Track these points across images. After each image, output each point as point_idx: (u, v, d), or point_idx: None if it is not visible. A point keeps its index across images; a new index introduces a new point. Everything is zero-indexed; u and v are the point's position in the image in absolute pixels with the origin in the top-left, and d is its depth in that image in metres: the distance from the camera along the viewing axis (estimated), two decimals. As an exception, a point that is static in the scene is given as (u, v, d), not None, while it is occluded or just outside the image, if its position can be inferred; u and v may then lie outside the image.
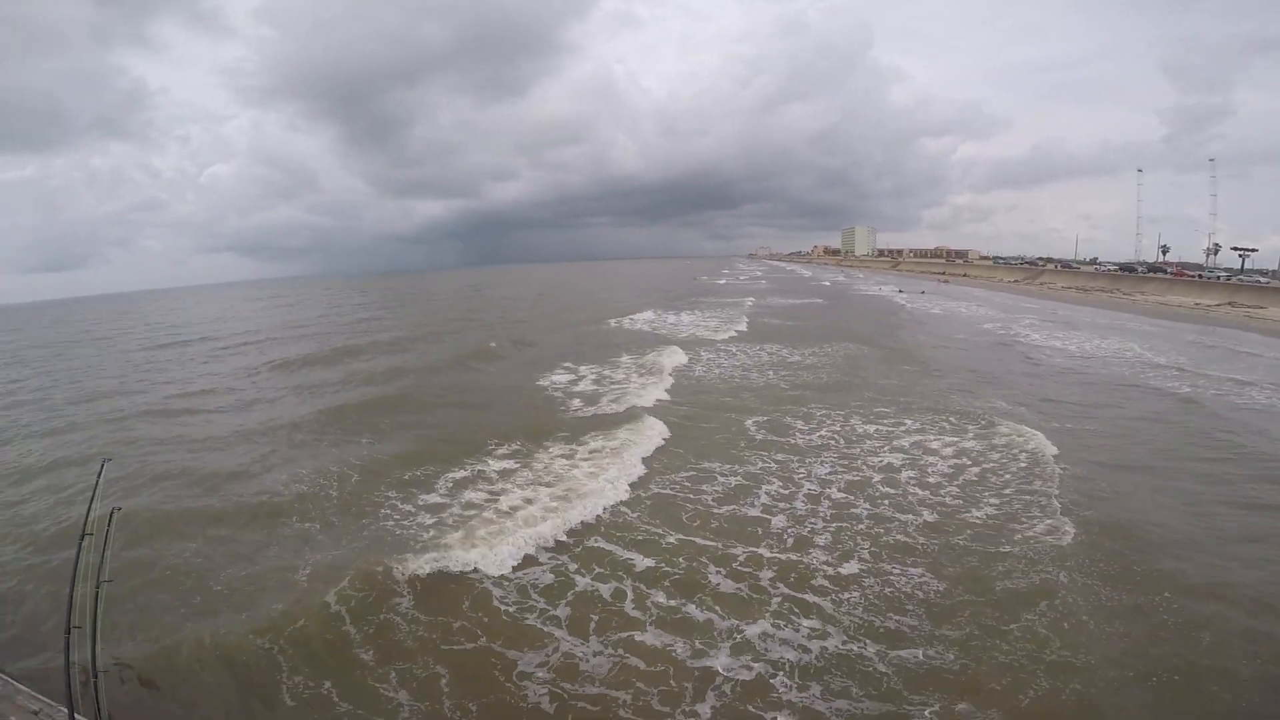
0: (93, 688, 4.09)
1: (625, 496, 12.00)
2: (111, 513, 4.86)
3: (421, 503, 11.75)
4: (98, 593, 4.44)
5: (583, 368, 24.66)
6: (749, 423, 16.66)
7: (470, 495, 12.04)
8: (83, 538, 4.63)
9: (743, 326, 39.47)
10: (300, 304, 75.21)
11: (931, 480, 12.68)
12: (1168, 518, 10.87)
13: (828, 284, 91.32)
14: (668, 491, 12.31)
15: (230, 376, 25.46)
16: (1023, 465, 13.35)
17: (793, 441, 15.22)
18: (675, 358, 26.40)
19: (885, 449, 14.50)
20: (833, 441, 15.16)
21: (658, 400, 19.26)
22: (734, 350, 29.50)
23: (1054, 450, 14.02)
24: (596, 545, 10.09)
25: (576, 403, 19.27)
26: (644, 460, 13.85)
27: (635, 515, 11.20)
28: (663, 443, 15.04)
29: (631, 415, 17.11)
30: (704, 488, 12.38)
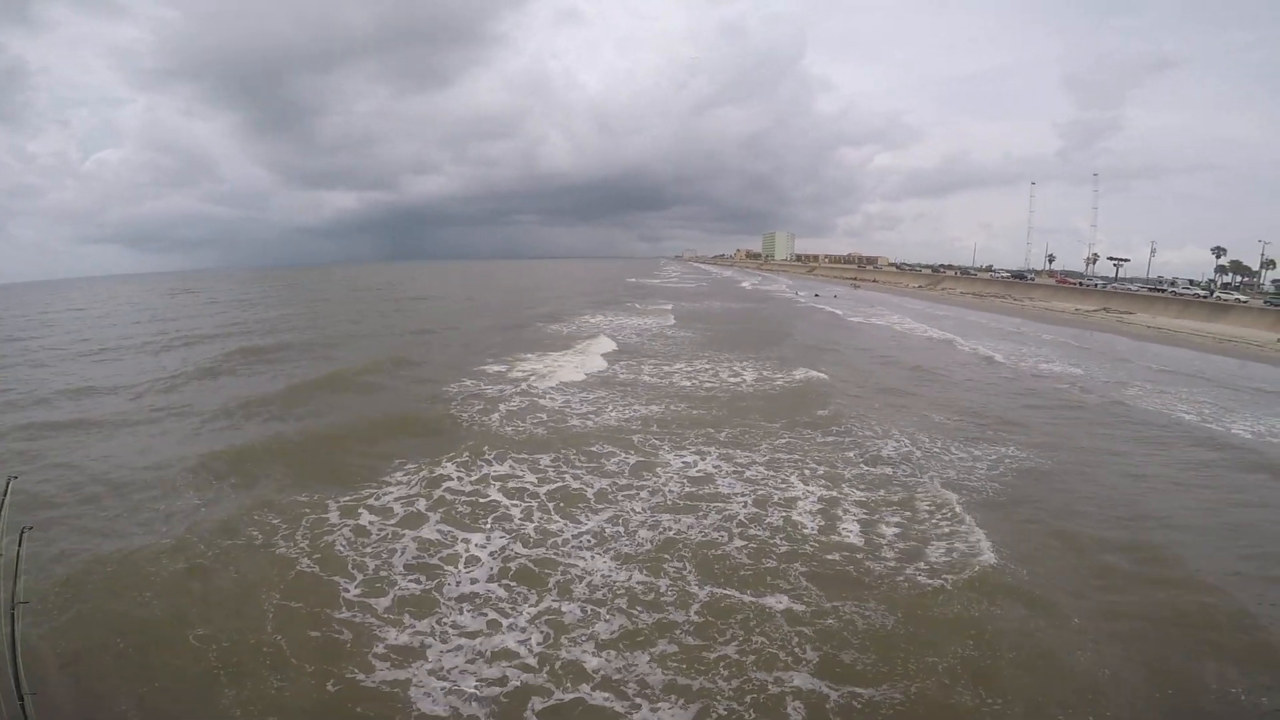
0: (20, 711, 4.01)
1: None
2: (21, 532, 4.58)
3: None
4: (13, 615, 4.23)
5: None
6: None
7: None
8: None
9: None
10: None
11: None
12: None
13: (747, 287, 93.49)
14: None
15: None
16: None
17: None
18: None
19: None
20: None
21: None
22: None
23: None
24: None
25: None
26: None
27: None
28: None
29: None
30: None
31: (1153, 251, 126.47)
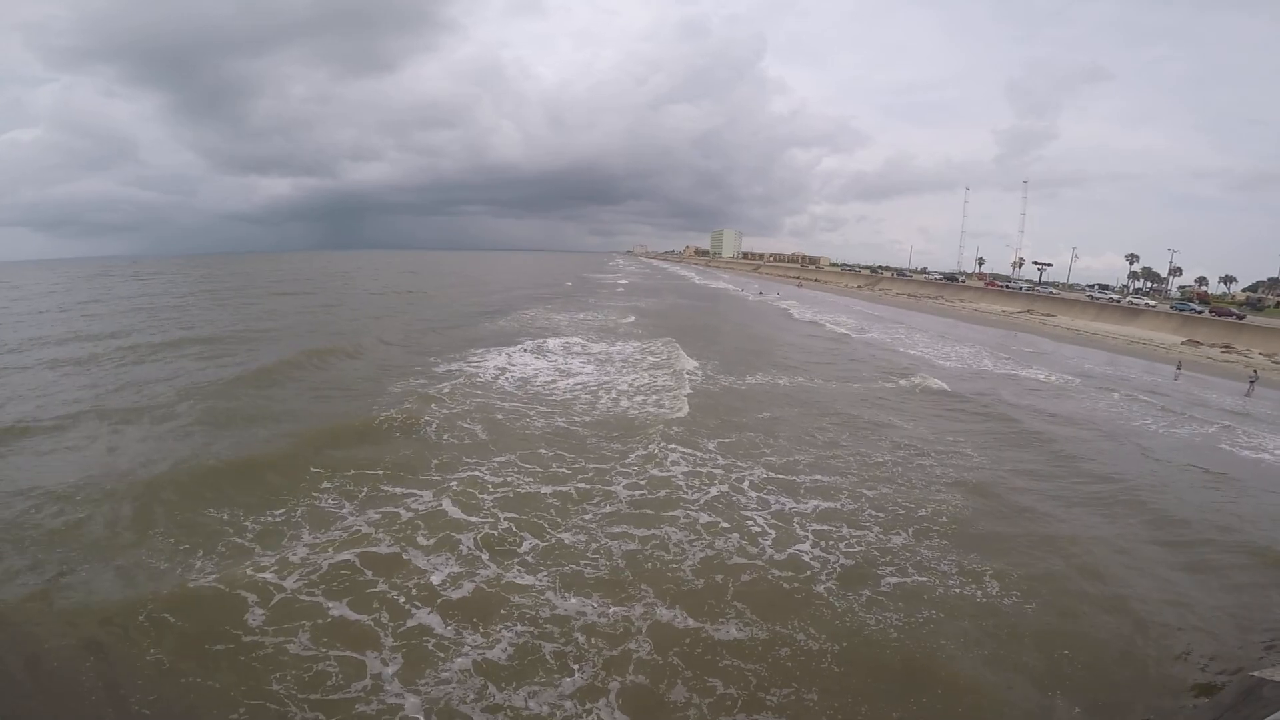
0: None
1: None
2: None
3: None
4: None
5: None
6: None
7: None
8: None
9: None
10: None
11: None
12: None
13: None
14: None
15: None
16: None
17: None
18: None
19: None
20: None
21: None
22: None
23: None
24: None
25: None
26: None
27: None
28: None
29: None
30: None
31: (1074, 257, 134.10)
